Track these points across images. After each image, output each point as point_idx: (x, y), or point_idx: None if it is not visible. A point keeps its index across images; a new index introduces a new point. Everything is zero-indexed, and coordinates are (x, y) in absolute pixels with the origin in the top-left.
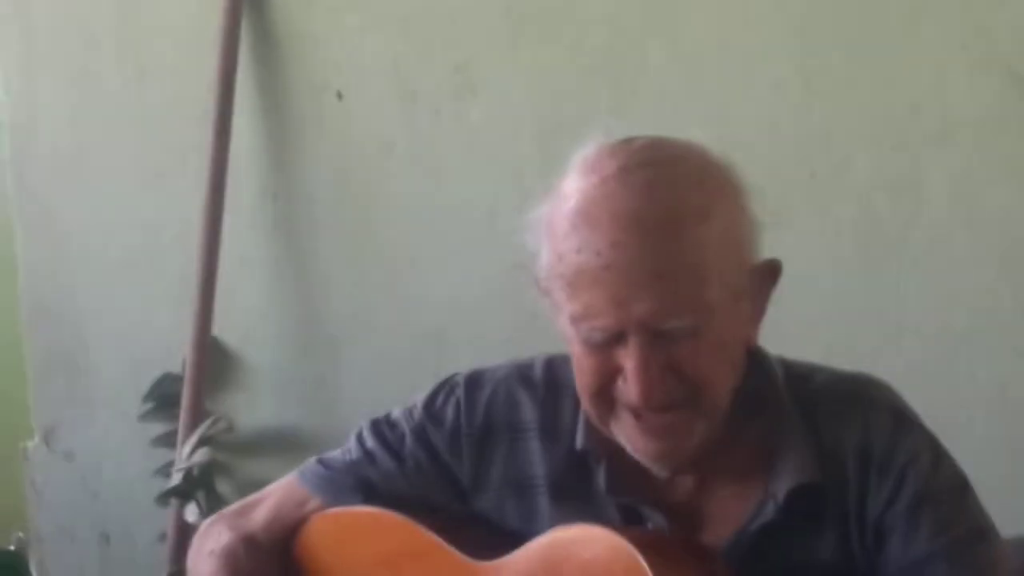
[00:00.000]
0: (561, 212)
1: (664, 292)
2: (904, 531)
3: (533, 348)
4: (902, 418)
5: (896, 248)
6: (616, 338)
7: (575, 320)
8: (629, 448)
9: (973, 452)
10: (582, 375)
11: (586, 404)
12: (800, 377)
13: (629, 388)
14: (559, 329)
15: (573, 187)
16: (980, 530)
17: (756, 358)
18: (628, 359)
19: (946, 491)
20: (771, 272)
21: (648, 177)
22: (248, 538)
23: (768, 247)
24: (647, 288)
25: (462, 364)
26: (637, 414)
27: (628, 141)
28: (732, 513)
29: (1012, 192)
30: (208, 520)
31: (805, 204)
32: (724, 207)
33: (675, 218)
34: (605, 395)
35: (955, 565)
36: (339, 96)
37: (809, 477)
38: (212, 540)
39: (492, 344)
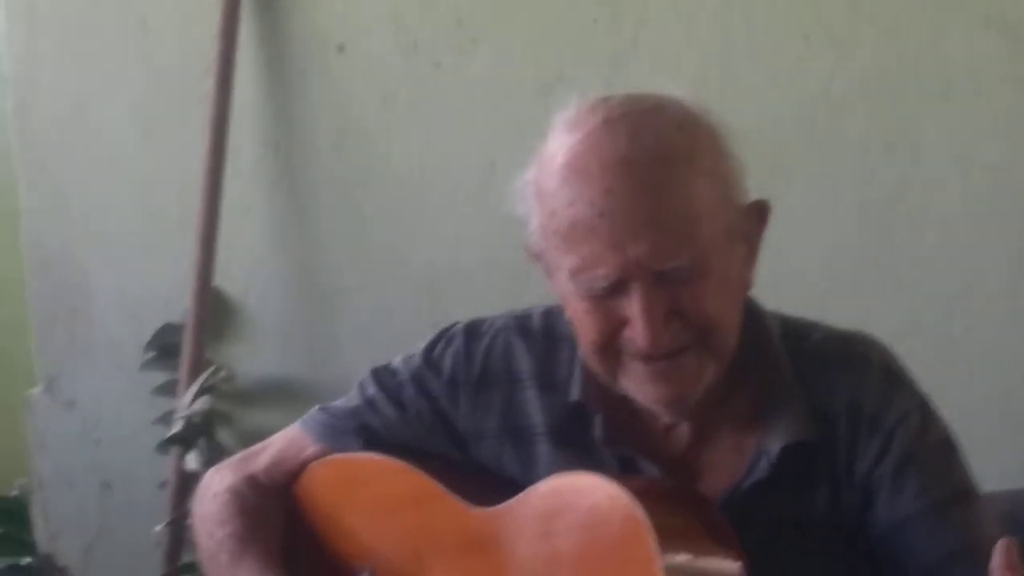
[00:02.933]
0: (549, 171)
1: (660, 232)
2: (890, 489)
3: (530, 300)
4: (894, 377)
5: (893, 204)
6: (618, 287)
7: (575, 274)
8: (640, 397)
9: (966, 411)
10: (586, 332)
11: (592, 361)
12: (796, 334)
13: (636, 335)
14: (556, 290)
15: (558, 145)
16: (964, 491)
17: (753, 313)
18: (632, 306)
19: (933, 452)
20: (761, 212)
21: (631, 125)
22: (251, 478)
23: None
24: (643, 230)
25: (460, 315)
26: (646, 360)
27: (605, 98)
28: (727, 467)
29: (1009, 149)
30: (211, 470)
31: (804, 159)
32: (708, 149)
33: (663, 160)
34: (610, 349)
35: (938, 523)
36: (340, 49)
37: (802, 435)
38: (216, 484)
39: (490, 295)
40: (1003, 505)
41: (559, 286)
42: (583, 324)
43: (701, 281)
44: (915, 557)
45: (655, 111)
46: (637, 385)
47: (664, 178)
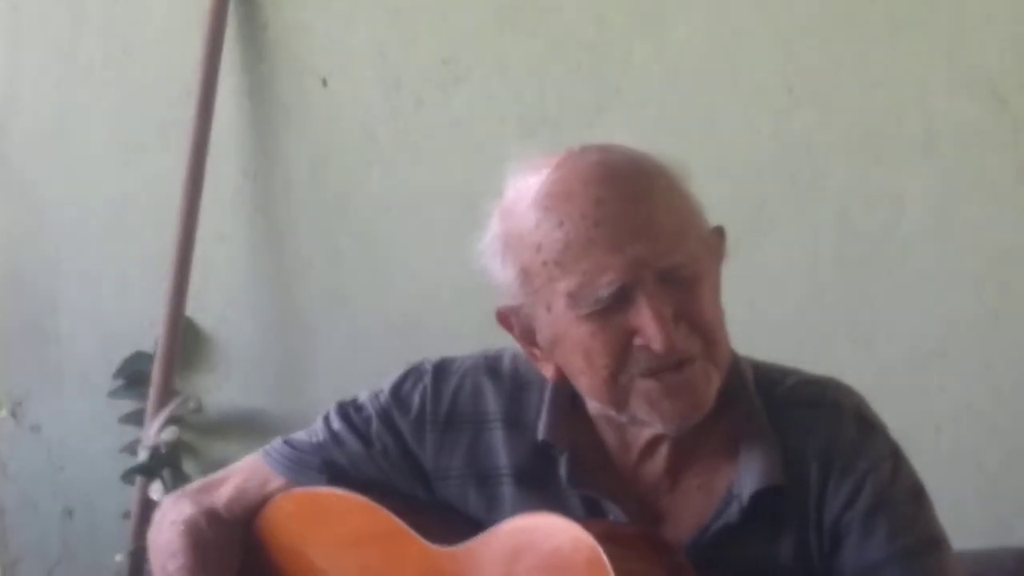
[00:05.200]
0: (521, 213)
1: (657, 231)
2: (859, 535)
3: (506, 340)
4: (866, 424)
5: (872, 258)
6: (622, 297)
7: (576, 294)
8: (653, 417)
9: (938, 464)
10: (594, 361)
11: (602, 395)
12: (769, 379)
13: (649, 339)
14: (545, 336)
15: (524, 190)
16: (933, 539)
17: None
18: (641, 313)
19: (903, 499)
20: (722, 238)
21: (598, 152)
22: (210, 511)
23: (746, 250)
24: (641, 229)
25: (435, 352)
26: (658, 374)
27: (551, 154)
28: (694, 511)
29: (989, 208)
30: (170, 496)
31: (784, 210)
32: (671, 172)
33: (640, 172)
34: (620, 372)
35: (906, 571)
36: (324, 82)
37: (774, 480)
38: (174, 512)
39: (466, 333)
40: (969, 565)
41: (553, 327)
42: (591, 351)
43: (698, 286)
44: None
45: (609, 148)
46: (651, 404)
47: (646, 186)
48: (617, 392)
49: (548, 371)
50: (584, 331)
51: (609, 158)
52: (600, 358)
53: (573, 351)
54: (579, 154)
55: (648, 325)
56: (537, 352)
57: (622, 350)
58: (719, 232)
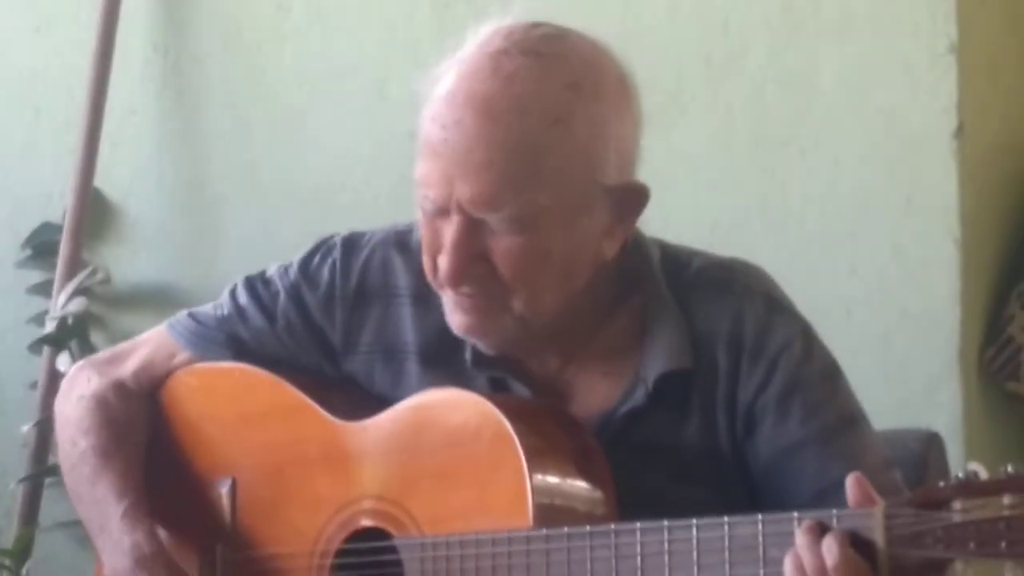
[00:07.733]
0: (441, 78)
1: (489, 181)
2: (775, 417)
3: (415, 217)
4: (775, 305)
5: (785, 139)
6: (443, 212)
7: (416, 183)
8: (448, 323)
9: (849, 346)
10: (422, 242)
11: (427, 272)
12: (676, 261)
13: (441, 263)
14: None
15: (461, 57)
16: (850, 416)
17: (633, 240)
18: (447, 236)
19: (817, 378)
20: (636, 197)
21: (519, 65)
22: (118, 384)
23: (661, 131)
24: (473, 173)
25: (345, 227)
26: (444, 288)
27: (536, 26)
28: (600, 393)
29: (903, 91)
30: (77, 365)
31: (699, 89)
32: (593, 117)
33: (525, 114)
34: (435, 269)
35: (824, 450)
36: None
37: (680, 363)
38: (81, 385)
39: (376, 210)
40: None
41: None
42: (422, 233)
43: (523, 242)
44: (802, 484)
45: (558, 58)
46: (447, 310)
47: (516, 131)
48: (436, 284)
49: None
50: (423, 217)
51: (513, 82)
52: (424, 244)
53: None
54: (500, 57)
55: (444, 250)
56: None
57: (436, 252)
58: (636, 191)
